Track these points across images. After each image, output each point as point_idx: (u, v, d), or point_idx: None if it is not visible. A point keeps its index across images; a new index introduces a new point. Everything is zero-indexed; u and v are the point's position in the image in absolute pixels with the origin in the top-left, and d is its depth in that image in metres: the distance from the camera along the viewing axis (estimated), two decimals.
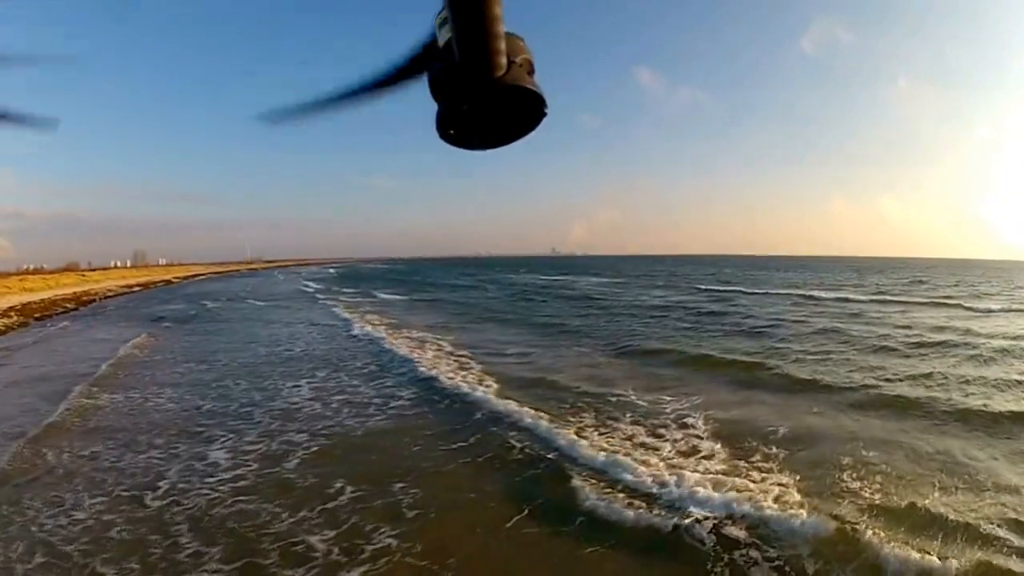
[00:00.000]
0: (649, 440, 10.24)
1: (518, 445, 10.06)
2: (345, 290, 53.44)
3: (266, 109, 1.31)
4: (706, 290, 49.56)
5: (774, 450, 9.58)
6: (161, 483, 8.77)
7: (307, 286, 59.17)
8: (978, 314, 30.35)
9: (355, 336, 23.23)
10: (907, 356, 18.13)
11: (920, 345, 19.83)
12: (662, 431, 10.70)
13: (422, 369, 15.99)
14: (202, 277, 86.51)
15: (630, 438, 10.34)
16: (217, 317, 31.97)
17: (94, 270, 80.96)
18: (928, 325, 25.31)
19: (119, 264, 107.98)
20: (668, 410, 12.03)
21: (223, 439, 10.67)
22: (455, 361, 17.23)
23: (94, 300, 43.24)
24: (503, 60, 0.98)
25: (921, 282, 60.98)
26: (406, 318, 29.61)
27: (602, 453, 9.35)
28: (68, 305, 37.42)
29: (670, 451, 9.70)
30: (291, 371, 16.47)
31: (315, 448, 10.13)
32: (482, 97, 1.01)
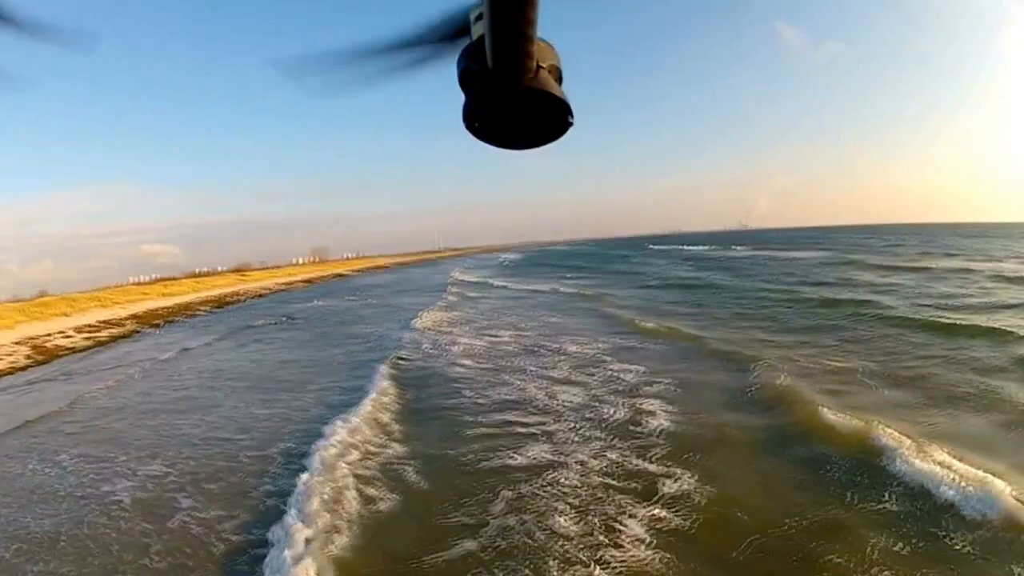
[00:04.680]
0: None
1: None
2: (494, 282, 42.06)
3: (284, 56, 1.29)
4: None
5: None
6: None
7: (452, 278, 50.68)
8: None
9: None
10: None
11: None
12: None
13: None
14: (377, 270, 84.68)
15: None
16: (323, 319, 26.19)
17: (267, 268, 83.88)
18: None
19: (300, 261, 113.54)
20: None
21: None
22: None
23: (240, 300, 40.61)
24: (532, 64, 0.98)
25: None
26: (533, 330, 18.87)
27: None
28: (202, 308, 34.25)
29: None
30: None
31: None
32: (508, 97, 1.01)
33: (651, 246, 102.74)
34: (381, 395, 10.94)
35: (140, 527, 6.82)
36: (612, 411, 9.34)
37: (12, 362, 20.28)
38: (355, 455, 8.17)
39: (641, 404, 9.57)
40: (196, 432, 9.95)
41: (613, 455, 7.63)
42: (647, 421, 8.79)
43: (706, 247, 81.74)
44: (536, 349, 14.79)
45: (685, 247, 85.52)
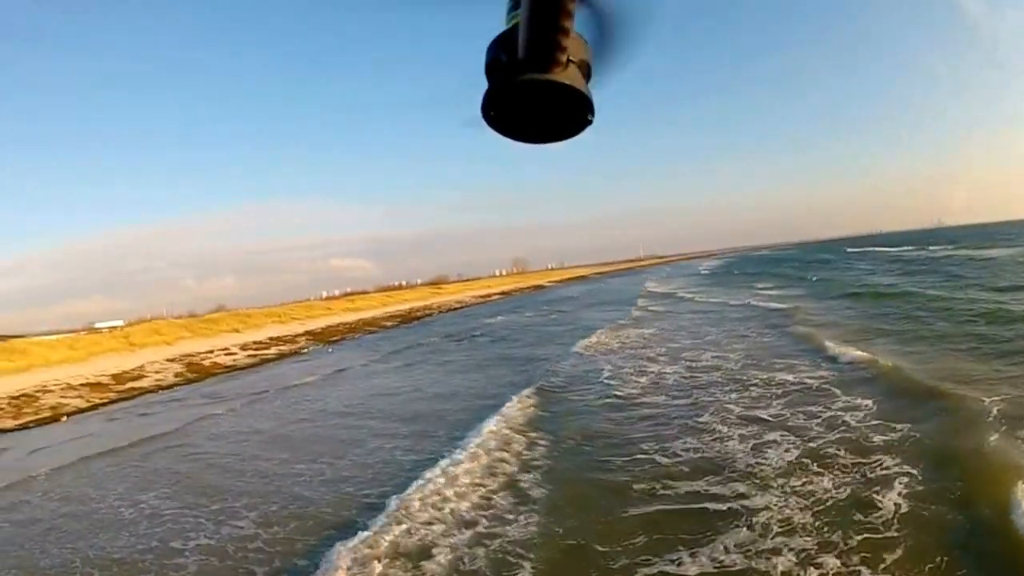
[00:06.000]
0: None
1: None
2: (685, 294, 37.34)
3: None
4: None
5: None
6: None
7: (645, 289, 45.68)
8: None
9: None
10: None
11: None
12: None
13: None
14: (575, 280, 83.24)
15: None
16: (505, 337, 24.49)
17: (463, 281, 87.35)
18: None
19: (500, 272, 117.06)
20: None
21: None
22: None
23: (428, 315, 41.70)
24: (564, 57, 0.97)
25: None
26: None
27: None
28: (386, 324, 35.43)
29: None
30: None
31: None
32: (535, 88, 1.00)
33: (849, 249, 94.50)
34: (529, 449, 8.63)
35: None
36: (827, 480, 6.47)
37: (159, 380, 20.42)
38: (466, 535, 5.99)
39: (863, 469, 6.75)
40: (313, 480, 8.47)
41: (832, 560, 4.95)
42: (872, 497, 5.98)
43: (903, 248, 72.94)
44: (727, 382, 11.54)
45: (883, 248, 78.74)
